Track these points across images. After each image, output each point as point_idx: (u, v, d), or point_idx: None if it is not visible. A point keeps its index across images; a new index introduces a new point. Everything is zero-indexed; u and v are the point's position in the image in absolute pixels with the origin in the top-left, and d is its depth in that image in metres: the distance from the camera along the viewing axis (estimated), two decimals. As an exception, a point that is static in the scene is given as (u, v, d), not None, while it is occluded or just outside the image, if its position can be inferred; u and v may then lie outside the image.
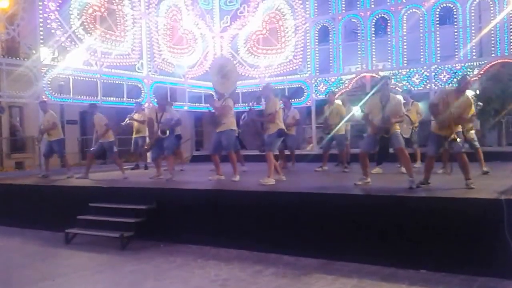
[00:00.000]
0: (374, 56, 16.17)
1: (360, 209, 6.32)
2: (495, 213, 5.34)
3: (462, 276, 5.36)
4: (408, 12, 15.48)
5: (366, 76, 15.96)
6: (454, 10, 15.12)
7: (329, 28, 16.79)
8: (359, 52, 16.32)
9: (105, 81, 14.50)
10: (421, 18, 15.35)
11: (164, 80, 16.58)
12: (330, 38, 16.83)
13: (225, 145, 9.03)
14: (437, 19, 15.29)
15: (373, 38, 16.25)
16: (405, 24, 15.54)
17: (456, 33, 15.03)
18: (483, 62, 14.57)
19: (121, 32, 14.86)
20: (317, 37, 17.08)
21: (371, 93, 7.70)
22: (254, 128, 9.31)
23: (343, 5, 16.46)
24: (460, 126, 6.91)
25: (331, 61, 16.79)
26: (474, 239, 5.47)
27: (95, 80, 14.25)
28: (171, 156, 10.12)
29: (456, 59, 14.91)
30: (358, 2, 16.26)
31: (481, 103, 10.04)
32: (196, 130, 22.28)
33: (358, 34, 16.59)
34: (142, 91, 15.61)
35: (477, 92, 15.63)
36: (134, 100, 14.56)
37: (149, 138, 10.64)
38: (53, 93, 13.08)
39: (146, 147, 10.86)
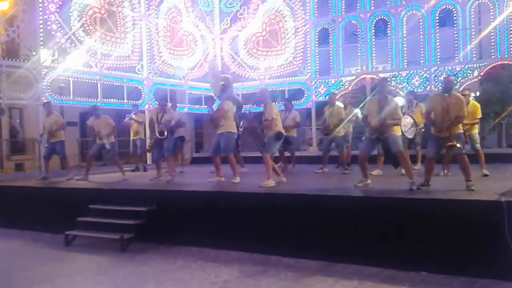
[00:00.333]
0: (374, 58, 16.20)
1: (360, 211, 6.30)
2: (496, 214, 5.32)
3: (463, 278, 5.35)
4: (408, 14, 15.51)
5: (366, 78, 15.97)
6: (454, 12, 15.15)
7: (329, 30, 16.83)
8: (359, 54, 16.35)
9: (105, 82, 14.51)
10: (421, 20, 15.39)
11: (164, 81, 16.60)
12: (330, 40, 16.86)
13: (223, 147, 9.02)
14: (437, 21, 15.32)
15: (373, 40, 16.29)
16: (405, 26, 15.58)
17: (456, 35, 15.06)
18: (483, 64, 14.61)
19: (121, 33, 14.87)
20: (317, 39, 17.11)
21: (371, 95, 7.69)
22: (255, 132, 9.31)
23: (343, 7, 16.50)
24: (461, 127, 6.89)
25: (331, 63, 16.82)
26: (474, 241, 5.46)
27: (95, 81, 14.26)
28: (171, 158, 10.12)
29: (456, 61, 14.93)
30: (358, 4, 16.29)
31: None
32: (196, 131, 22.30)
33: (358, 36, 16.63)
34: (142, 92, 15.62)
35: (477, 94, 15.65)
36: (132, 102, 14.57)
37: (150, 138, 10.64)
38: (53, 94, 13.09)
39: (147, 148, 10.85)
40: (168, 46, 16.64)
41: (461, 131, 6.90)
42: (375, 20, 16.13)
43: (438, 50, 15.24)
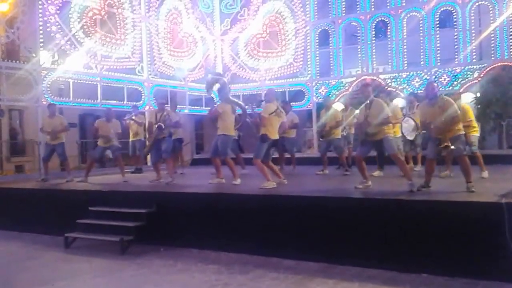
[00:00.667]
0: (374, 59, 16.20)
1: (361, 212, 6.30)
2: (496, 216, 5.32)
3: (464, 279, 5.34)
4: (408, 15, 15.51)
5: (367, 79, 15.94)
6: (454, 13, 15.15)
7: (329, 31, 16.82)
8: (359, 55, 16.35)
9: (105, 84, 14.49)
10: (421, 21, 15.38)
11: (164, 83, 16.58)
12: (331, 41, 16.86)
13: (220, 150, 9.04)
14: (437, 22, 15.32)
15: (373, 41, 16.28)
16: (405, 27, 15.57)
17: (456, 36, 15.05)
18: (483, 65, 14.61)
19: (121, 35, 14.85)
20: (317, 40, 17.10)
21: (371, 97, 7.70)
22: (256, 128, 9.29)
23: (343, 9, 16.49)
24: (462, 129, 6.88)
25: (331, 64, 16.82)
26: (475, 242, 5.46)
27: (95, 83, 14.24)
28: (171, 159, 10.10)
29: (456, 62, 14.94)
30: (358, 6, 16.29)
31: None
32: (196, 133, 22.27)
33: (358, 37, 16.62)
34: (143, 94, 15.60)
35: (478, 95, 15.63)
36: (132, 103, 14.56)
37: (148, 141, 10.64)
38: (53, 96, 13.06)
39: (145, 151, 10.84)
40: (168, 48, 16.63)
41: (462, 132, 6.88)
42: (375, 22, 16.12)
43: (438, 51, 15.24)
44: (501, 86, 15.32)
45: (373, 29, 16.21)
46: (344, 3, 16.44)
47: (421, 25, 15.40)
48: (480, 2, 14.89)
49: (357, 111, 11.40)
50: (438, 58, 15.27)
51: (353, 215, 6.30)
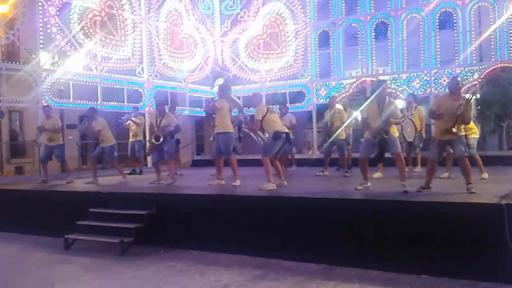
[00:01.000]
0: (374, 60, 16.20)
1: (360, 213, 6.29)
2: (496, 217, 5.31)
3: (464, 281, 5.34)
4: (408, 16, 15.51)
5: (367, 80, 15.96)
6: (454, 15, 15.16)
7: (330, 32, 16.83)
8: (360, 57, 16.35)
9: (105, 85, 14.50)
10: (421, 23, 15.38)
11: (164, 84, 16.60)
12: (331, 43, 16.86)
13: (223, 150, 8.95)
14: (437, 23, 15.33)
15: (374, 42, 16.29)
16: (405, 29, 15.58)
17: (456, 38, 15.05)
18: (483, 67, 14.61)
19: (122, 36, 14.87)
20: (317, 42, 17.11)
21: (371, 98, 7.69)
22: (255, 134, 9.26)
23: (343, 10, 16.50)
24: (463, 130, 6.87)
25: (331, 66, 16.82)
26: (475, 243, 5.45)
27: (95, 84, 14.25)
28: (172, 161, 10.08)
29: (456, 63, 14.94)
30: (358, 7, 16.29)
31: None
32: (196, 134, 22.28)
33: (359, 39, 16.63)
34: (143, 95, 15.61)
35: (478, 96, 15.63)
36: (132, 104, 14.56)
37: (149, 142, 10.62)
38: (53, 97, 13.08)
39: (147, 151, 10.81)
40: (169, 49, 16.64)
41: (463, 133, 6.88)
42: (375, 23, 16.13)
43: (438, 52, 15.24)
44: (501, 87, 15.33)
45: (373, 31, 16.21)
46: (344, 4, 16.46)
47: (421, 26, 15.41)
48: (480, 4, 14.90)
49: (356, 112, 11.44)
50: (438, 59, 15.27)
51: (353, 216, 6.30)
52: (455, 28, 15.27)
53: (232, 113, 9.42)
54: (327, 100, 12.05)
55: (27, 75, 12.56)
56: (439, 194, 6.71)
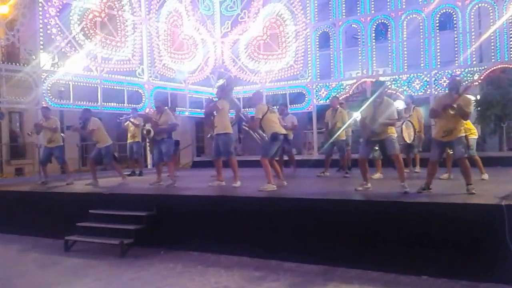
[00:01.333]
0: (374, 61, 16.22)
1: (360, 214, 6.28)
2: (496, 218, 5.30)
3: (464, 282, 5.33)
4: (408, 17, 15.54)
5: (367, 81, 15.97)
6: (454, 16, 15.18)
7: (330, 33, 16.85)
8: (360, 58, 16.38)
9: (105, 86, 14.50)
10: (421, 24, 15.41)
11: (164, 85, 16.60)
12: (331, 44, 16.88)
13: (223, 151, 8.93)
14: (437, 24, 15.36)
15: (374, 43, 16.30)
16: (405, 30, 15.60)
17: (456, 39, 15.08)
18: (483, 68, 14.63)
19: (122, 37, 14.88)
20: (317, 43, 17.13)
21: (372, 98, 7.67)
22: (254, 135, 9.24)
23: (344, 11, 16.53)
24: (463, 131, 6.86)
25: (332, 67, 16.84)
26: (475, 244, 5.44)
27: (95, 85, 14.25)
28: (172, 162, 10.06)
29: (456, 64, 14.95)
30: (358, 8, 16.31)
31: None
32: (197, 135, 22.27)
33: (359, 40, 16.64)
34: (143, 96, 15.61)
35: (478, 97, 15.64)
36: (131, 105, 14.56)
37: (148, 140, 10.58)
38: (53, 99, 13.08)
39: (149, 149, 10.74)
40: (169, 50, 16.65)
41: (463, 134, 6.86)
42: (375, 24, 16.15)
43: (439, 53, 15.26)
44: (501, 88, 15.34)
45: (373, 31, 16.23)
46: (344, 5, 16.49)
47: (421, 27, 15.43)
48: (480, 5, 14.93)
49: (355, 113, 11.44)
50: (438, 60, 15.30)
51: (353, 217, 6.29)
52: (455, 29, 15.29)
53: (230, 114, 9.43)
54: (327, 101, 12.03)
55: (27, 76, 12.56)
56: (439, 195, 6.70)
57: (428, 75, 15.12)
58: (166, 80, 16.65)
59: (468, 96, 7.00)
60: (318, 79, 17.01)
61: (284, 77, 17.46)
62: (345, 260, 6.13)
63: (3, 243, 8.83)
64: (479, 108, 15.50)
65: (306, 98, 16.96)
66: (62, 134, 11.18)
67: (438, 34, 15.44)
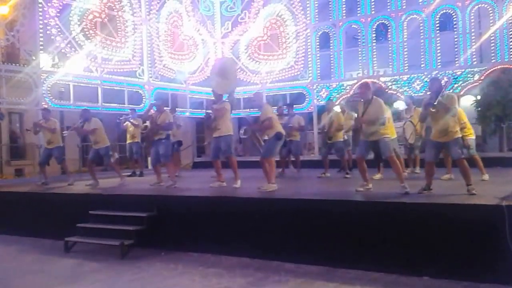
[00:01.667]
0: (375, 62, 16.23)
1: (361, 215, 6.28)
2: (497, 219, 5.30)
3: (465, 282, 5.32)
4: (409, 18, 15.54)
5: (367, 82, 15.95)
6: (454, 16, 15.17)
7: (330, 34, 16.85)
8: (360, 58, 16.40)
9: (105, 87, 14.49)
10: (421, 24, 15.41)
11: (165, 86, 16.59)
12: (331, 44, 16.88)
13: (224, 150, 8.93)
14: (437, 25, 15.35)
15: (374, 44, 16.30)
16: (405, 30, 15.61)
17: (456, 39, 15.07)
18: (483, 68, 14.62)
19: (122, 38, 14.87)
20: (318, 43, 17.13)
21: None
22: (255, 136, 9.22)
23: (344, 11, 16.53)
24: (459, 132, 6.85)
25: (332, 67, 16.85)
26: (476, 245, 5.44)
27: (95, 86, 14.24)
28: (171, 163, 10.04)
29: (457, 65, 14.95)
30: (358, 8, 16.31)
31: None
32: (197, 136, 22.25)
33: (359, 40, 16.64)
34: (143, 97, 15.60)
35: (478, 97, 15.64)
36: (130, 106, 14.55)
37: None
38: (53, 99, 13.07)
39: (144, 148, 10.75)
40: (169, 51, 16.65)
41: (459, 135, 6.86)
42: (375, 24, 16.15)
43: (439, 54, 15.26)
44: (501, 88, 15.35)
45: (374, 32, 16.23)
46: (344, 6, 16.50)
47: (421, 27, 15.43)
48: (480, 5, 14.92)
49: (355, 114, 11.45)
50: (439, 60, 15.30)
51: (354, 218, 6.28)
52: (455, 29, 15.29)
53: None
54: (325, 102, 12.04)
55: (27, 77, 12.56)
56: (440, 195, 6.69)
57: (429, 76, 15.09)
58: (166, 81, 16.64)
59: (451, 93, 6.98)
60: (319, 79, 17.01)
61: (285, 77, 17.46)
62: (346, 261, 6.12)
63: (3, 244, 8.83)
64: (479, 109, 15.51)
65: (307, 99, 16.96)
66: (64, 133, 11.13)
67: (438, 34, 15.43)
